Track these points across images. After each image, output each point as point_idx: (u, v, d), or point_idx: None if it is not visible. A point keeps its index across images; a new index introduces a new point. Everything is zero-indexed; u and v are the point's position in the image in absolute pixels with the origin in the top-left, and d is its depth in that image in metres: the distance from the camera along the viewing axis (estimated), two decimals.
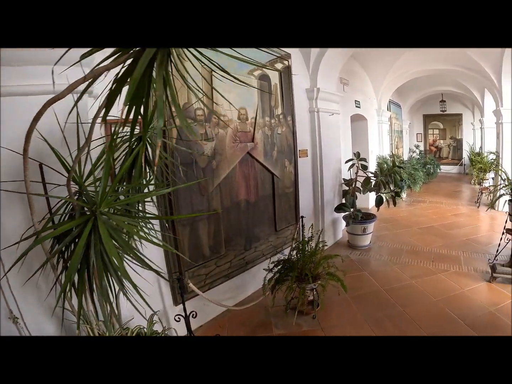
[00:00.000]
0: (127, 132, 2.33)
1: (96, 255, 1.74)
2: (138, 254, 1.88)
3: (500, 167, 7.58)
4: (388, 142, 11.71)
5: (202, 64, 1.57)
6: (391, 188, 6.48)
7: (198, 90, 1.73)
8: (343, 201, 6.69)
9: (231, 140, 4.04)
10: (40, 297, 2.35)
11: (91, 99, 2.47)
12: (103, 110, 1.41)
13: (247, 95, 4.26)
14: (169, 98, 1.44)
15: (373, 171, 6.65)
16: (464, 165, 16.90)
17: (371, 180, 6.43)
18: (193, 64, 1.52)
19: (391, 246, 6.56)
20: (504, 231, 5.05)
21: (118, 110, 1.31)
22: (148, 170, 2.45)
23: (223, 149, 3.94)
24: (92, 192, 1.98)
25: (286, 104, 5.04)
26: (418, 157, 14.85)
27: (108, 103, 1.40)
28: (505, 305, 4.09)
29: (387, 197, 6.56)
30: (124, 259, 1.95)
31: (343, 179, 6.87)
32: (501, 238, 5.08)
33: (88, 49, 1.38)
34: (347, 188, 6.67)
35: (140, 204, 2.44)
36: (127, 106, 1.28)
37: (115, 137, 1.98)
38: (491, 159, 11.09)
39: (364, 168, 6.44)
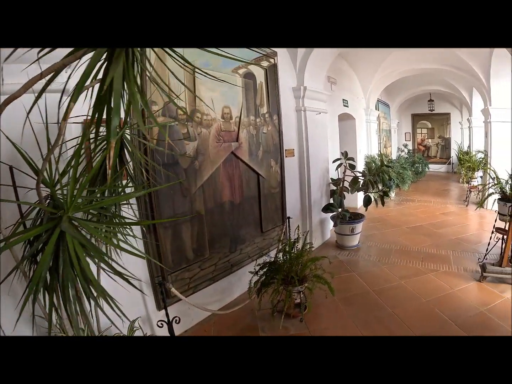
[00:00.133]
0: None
1: (64, 263, 1.64)
2: (109, 261, 1.77)
3: (488, 166, 7.61)
4: (377, 141, 11.74)
5: (174, 60, 1.49)
6: (379, 188, 6.42)
7: (167, 90, 1.64)
8: (331, 201, 6.62)
9: (215, 139, 3.93)
10: (16, 304, 2.26)
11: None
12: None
13: (231, 93, 4.16)
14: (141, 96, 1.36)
15: (361, 171, 6.58)
16: (452, 164, 17.11)
17: (359, 180, 6.36)
18: (165, 64, 1.43)
19: (380, 246, 6.51)
20: (494, 230, 5.05)
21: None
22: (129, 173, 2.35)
23: (206, 149, 3.82)
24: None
25: (272, 103, 4.94)
26: (407, 156, 14.95)
27: (70, 101, 1.29)
28: (496, 305, 4.05)
29: (376, 197, 6.51)
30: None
31: (331, 178, 6.80)
32: (490, 237, 5.10)
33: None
34: (335, 188, 6.61)
35: (116, 208, 2.34)
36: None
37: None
38: (480, 158, 11.14)
39: (352, 167, 6.38)
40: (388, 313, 4.02)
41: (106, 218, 2.23)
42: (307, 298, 3.89)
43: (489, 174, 6.30)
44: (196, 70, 1.61)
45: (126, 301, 3.04)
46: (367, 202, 6.35)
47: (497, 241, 5.02)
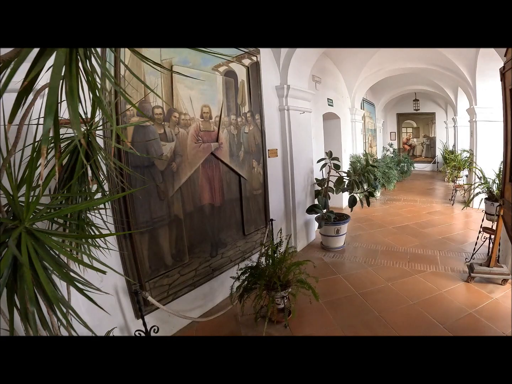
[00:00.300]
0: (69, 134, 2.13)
1: (21, 279, 1.48)
2: (71, 276, 1.62)
3: (474, 165, 7.67)
4: (362, 141, 11.74)
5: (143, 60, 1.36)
6: (365, 188, 6.33)
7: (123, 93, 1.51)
8: (316, 201, 6.53)
9: (193, 140, 3.77)
10: None
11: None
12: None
13: (211, 91, 4.01)
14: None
15: (346, 171, 6.49)
16: (438, 163, 17.37)
17: (344, 180, 6.27)
18: (121, 61, 1.29)
19: (366, 247, 6.43)
20: (481, 230, 5.04)
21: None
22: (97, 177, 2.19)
23: (184, 150, 3.67)
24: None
25: (254, 102, 4.81)
26: (392, 155, 15.01)
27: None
28: (484, 306, 4.00)
29: (361, 197, 6.42)
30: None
31: (315, 179, 6.72)
32: (478, 237, 5.09)
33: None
34: (319, 188, 6.52)
35: (83, 215, 2.18)
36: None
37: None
38: (465, 157, 11.19)
39: (337, 167, 6.28)
40: (375, 316, 3.92)
41: (74, 227, 2.09)
42: (291, 303, 3.79)
43: (475, 173, 6.29)
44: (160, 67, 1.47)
45: (104, 306, 2.90)
46: (352, 202, 6.24)
47: (484, 241, 5.02)
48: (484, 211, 5.45)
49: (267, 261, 3.81)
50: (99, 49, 1.67)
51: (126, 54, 2.99)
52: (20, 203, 1.58)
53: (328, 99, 8.50)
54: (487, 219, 5.24)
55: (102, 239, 2.26)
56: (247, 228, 4.78)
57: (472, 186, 6.32)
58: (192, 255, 3.89)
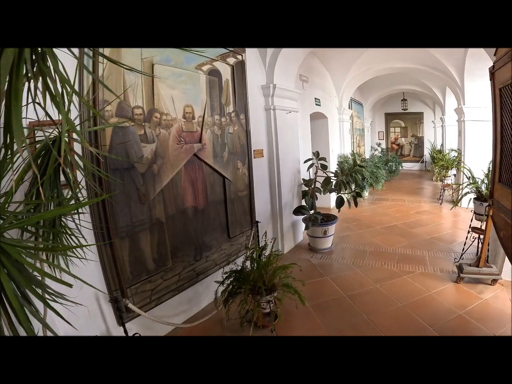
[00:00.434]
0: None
1: None
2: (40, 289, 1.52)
3: (463, 165, 7.73)
4: (350, 141, 11.74)
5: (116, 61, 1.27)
6: (352, 188, 6.27)
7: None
8: (303, 202, 6.46)
9: (175, 141, 3.66)
10: None
11: None
12: None
13: (194, 91, 3.91)
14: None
15: (334, 171, 6.44)
16: (426, 162, 17.50)
17: (332, 180, 6.20)
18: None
19: (354, 247, 6.38)
20: (470, 230, 5.05)
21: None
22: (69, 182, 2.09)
23: (166, 152, 3.56)
24: None
25: (239, 101, 4.72)
26: (380, 155, 15.07)
27: None
28: (474, 307, 3.98)
29: (348, 197, 6.35)
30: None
31: (303, 179, 6.66)
32: (466, 237, 5.11)
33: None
34: (307, 188, 6.46)
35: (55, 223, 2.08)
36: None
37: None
38: (453, 157, 11.24)
39: (324, 167, 6.22)
40: (363, 319, 3.87)
41: (46, 235, 2.00)
42: (277, 307, 3.72)
43: (463, 172, 6.29)
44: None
45: (85, 316, 2.81)
46: (339, 203, 6.19)
47: (473, 241, 5.04)
48: (472, 211, 5.44)
49: (252, 265, 3.73)
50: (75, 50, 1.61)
51: (104, 52, 2.89)
52: None
53: (315, 98, 8.45)
54: (476, 219, 5.24)
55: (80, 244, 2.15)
56: (232, 231, 4.69)
57: (461, 186, 6.30)
58: (175, 259, 3.78)
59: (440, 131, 15.70)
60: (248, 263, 3.81)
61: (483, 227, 4.58)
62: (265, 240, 4.02)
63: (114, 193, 3.00)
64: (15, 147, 1.16)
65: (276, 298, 3.64)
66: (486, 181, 5.45)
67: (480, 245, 4.67)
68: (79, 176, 2.53)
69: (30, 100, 1.28)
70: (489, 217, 4.12)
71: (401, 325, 3.71)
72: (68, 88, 1.31)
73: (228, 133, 4.52)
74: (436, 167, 12.26)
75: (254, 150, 5.22)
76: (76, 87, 2.63)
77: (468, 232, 5.10)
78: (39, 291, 1.55)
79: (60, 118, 1.25)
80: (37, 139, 2.20)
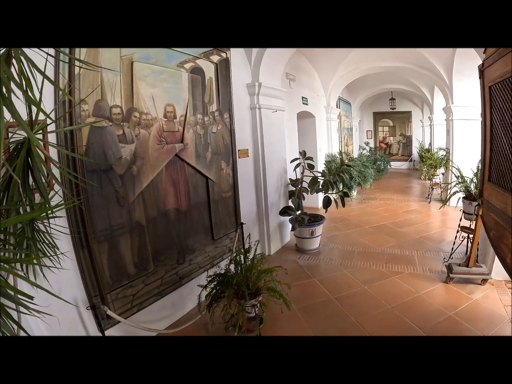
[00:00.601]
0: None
1: None
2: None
3: (451, 164, 7.80)
4: (338, 140, 11.73)
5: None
6: (340, 188, 6.20)
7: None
8: (290, 203, 6.38)
9: (156, 141, 3.56)
10: None
11: None
12: None
13: (175, 90, 3.80)
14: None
15: (321, 171, 6.37)
16: (414, 161, 17.65)
17: (319, 180, 6.14)
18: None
19: (342, 248, 6.31)
20: (459, 229, 5.06)
21: None
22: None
23: (146, 152, 3.45)
24: None
25: (222, 100, 4.62)
26: (368, 154, 15.12)
27: None
28: (464, 308, 3.93)
29: (335, 197, 6.28)
30: None
31: (290, 179, 6.59)
32: (456, 236, 5.10)
33: None
34: (294, 188, 6.37)
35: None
36: None
37: None
38: (441, 155, 11.28)
39: (311, 167, 6.14)
40: (351, 322, 3.79)
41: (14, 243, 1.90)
42: (263, 310, 3.61)
43: (452, 171, 6.28)
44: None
45: (64, 322, 2.71)
46: (326, 203, 6.12)
47: (462, 240, 5.04)
48: (462, 210, 5.42)
49: (236, 268, 3.65)
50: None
51: (82, 50, 2.78)
52: None
53: (302, 97, 8.39)
54: (465, 218, 5.23)
55: (55, 251, 2.16)
56: (216, 233, 4.59)
57: (450, 185, 6.28)
58: (157, 263, 3.68)
59: (428, 130, 15.80)
60: (232, 267, 3.72)
61: (472, 227, 4.55)
62: (249, 243, 3.93)
63: (83, 197, 2.83)
64: None
65: (261, 302, 3.56)
66: (475, 180, 5.42)
67: (469, 244, 4.66)
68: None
69: None
70: (479, 217, 4.07)
71: (390, 328, 3.64)
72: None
73: (212, 133, 4.42)
74: (425, 166, 12.33)
75: (239, 150, 5.13)
76: (51, 87, 2.53)
77: (457, 231, 5.08)
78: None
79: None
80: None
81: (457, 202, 5.55)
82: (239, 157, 5.15)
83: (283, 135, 6.53)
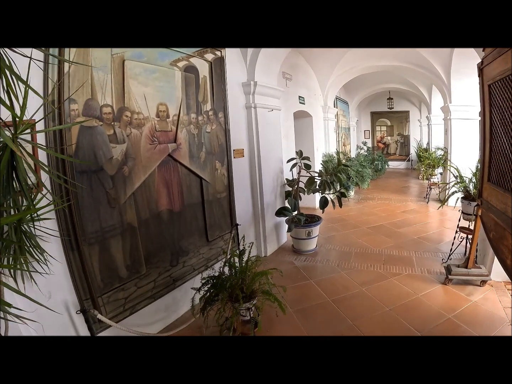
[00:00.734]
0: None
1: None
2: None
3: (449, 163, 7.79)
4: (335, 140, 11.70)
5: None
6: (337, 188, 6.14)
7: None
8: (286, 203, 6.32)
9: (148, 141, 3.48)
10: None
11: None
12: None
13: (168, 89, 3.73)
14: None
15: (318, 171, 6.31)
16: (412, 160, 17.68)
17: (316, 180, 6.08)
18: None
19: (339, 249, 6.25)
20: (458, 229, 5.02)
21: None
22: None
23: (138, 152, 3.38)
24: None
25: (217, 99, 4.55)
26: (366, 153, 15.13)
27: None
28: (463, 310, 3.88)
29: (332, 198, 6.22)
30: None
31: (286, 179, 6.51)
32: (454, 237, 5.08)
33: None
34: (290, 189, 6.31)
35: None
36: None
37: None
38: (439, 155, 11.26)
39: (308, 167, 6.08)
40: (348, 325, 3.73)
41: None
42: (258, 313, 3.58)
43: (450, 171, 6.25)
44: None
45: (55, 326, 2.74)
46: (323, 203, 6.07)
47: (461, 241, 5.01)
48: (460, 210, 5.37)
49: (230, 271, 3.59)
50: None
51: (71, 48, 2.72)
52: None
53: (299, 96, 8.33)
54: (463, 218, 5.20)
55: (43, 255, 2.10)
56: (210, 234, 4.52)
57: (448, 185, 6.24)
58: (150, 266, 3.60)
59: (426, 130, 15.72)
60: (226, 269, 3.66)
61: (471, 227, 4.51)
62: (244, 245, 3.87)
63: (70, 201, 2.76)
64: None
65: (256, 306, 3.50)
66: (474, 180, 5.39)
67: (468, 245, 4.61)
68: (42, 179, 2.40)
69: None
70: (478, 217, 4.02)
71: (388, 330, 3.58)
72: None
73: (206, 132, 4.35)
74: (423, 166, 12.30)
75: (234, 150, 5.07)
76: (41, 86, 2.50)
77: (456, 232, 5.04)
78: None
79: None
80: None
81: (456, 202, 5.52)
82: (234, 157, 5.08)
83: (279, 134, 6.47)
